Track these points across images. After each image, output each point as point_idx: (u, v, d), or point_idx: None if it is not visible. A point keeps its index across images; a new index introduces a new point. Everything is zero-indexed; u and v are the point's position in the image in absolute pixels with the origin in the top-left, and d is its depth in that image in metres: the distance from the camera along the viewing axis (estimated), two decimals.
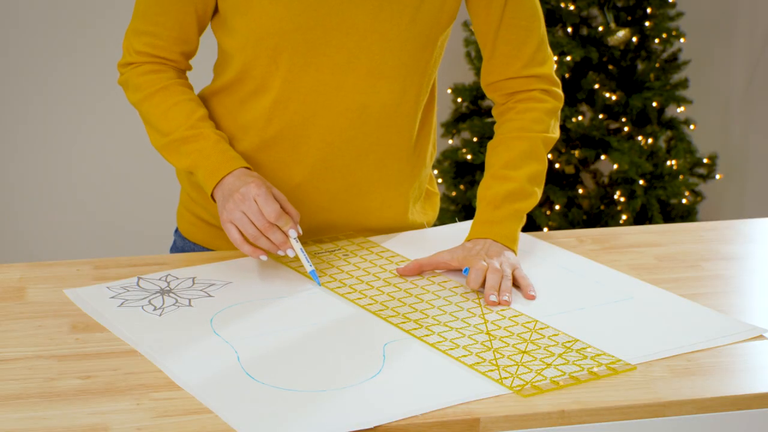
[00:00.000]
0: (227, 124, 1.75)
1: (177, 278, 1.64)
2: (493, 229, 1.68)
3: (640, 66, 3.69)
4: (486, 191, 1.72)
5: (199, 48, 1.79)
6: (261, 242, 1.61)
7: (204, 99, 1.79)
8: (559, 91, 1.79)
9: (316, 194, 1.75)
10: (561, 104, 1.79)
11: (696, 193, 3.73)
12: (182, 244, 1.88)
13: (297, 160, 1.73)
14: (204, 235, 1.84)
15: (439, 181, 3.77)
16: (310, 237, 1.79)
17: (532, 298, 1.57)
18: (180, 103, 1.71)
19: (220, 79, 1.76)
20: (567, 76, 3.59)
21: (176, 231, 1.91)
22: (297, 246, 1.61)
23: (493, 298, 1.55)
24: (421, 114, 1.79)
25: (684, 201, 3.64)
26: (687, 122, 3.69)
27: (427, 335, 1.45)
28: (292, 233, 1.61)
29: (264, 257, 1.61)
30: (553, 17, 3.60)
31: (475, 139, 3.67)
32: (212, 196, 1.67)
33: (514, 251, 1.67)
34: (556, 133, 1.78)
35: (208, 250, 1.84)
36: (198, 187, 1.81)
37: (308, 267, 1.61)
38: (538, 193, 1.74)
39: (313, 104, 1.70)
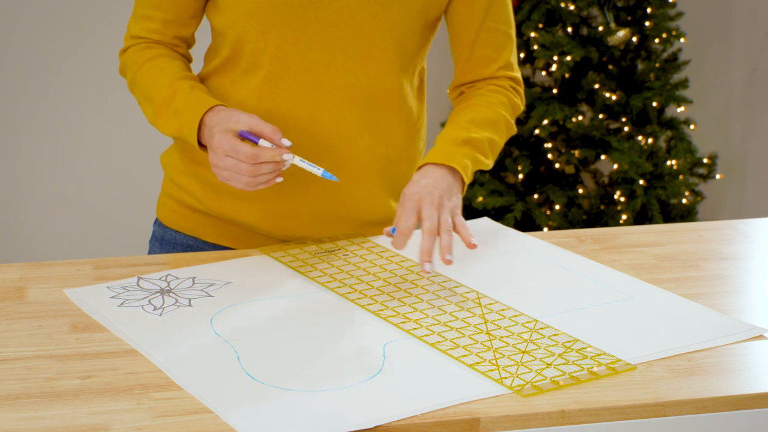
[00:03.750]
0: None
1: (177, 278, 1.64)
2: (453, 158, 1.67)
3: (640, 66, 3.69)
4: (449, 133, 1.72)
5: (196, 41, 1.81)
6: (262, 178, 1.60)
7: None
8: (523, 98, 1.84)
9: (304, 176, 1.74)
10: (522, 109, 1.84)
11: (696, 193, 3.73)
12: (162, 233, 1.87)
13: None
14: (186, 222, 1.83)
15: None
16: (299, 227, 1.78)
17: (474, 246, 1.57)
18: (165, 69, 1.73)
19: (213, 62, 1.77)
20: (567, 76, 3.59)
21: (156, 222, 1.90)
22: (297, 160, 1.61)
23: (428, 267, 1.55)
24: (409, 105, 1.80)
25: (684, 201, 3.64)
26: (687, 122, 3.69)
27: (427, 335, 1.45)
28: (287, 156, 1.59)
29: (280, 179, 1.62)
30: (553, 17, 3.60)
31: None
32: (204, 147, 1.68)
33: (462, 188, 1.67)
34: (513, 128, 1.81)
35: (189, 237, 1.84)
36: (184, 172, 1.82)
37: (318, 171, 1.61)
38: (492, 162, 1.75)
39: (302, 82, 1.71)
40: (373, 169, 1.78)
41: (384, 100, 1.75)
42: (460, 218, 1.61)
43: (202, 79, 1.80)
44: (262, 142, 1.61)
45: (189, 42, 1.80)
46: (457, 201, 1.63)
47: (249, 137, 1.61)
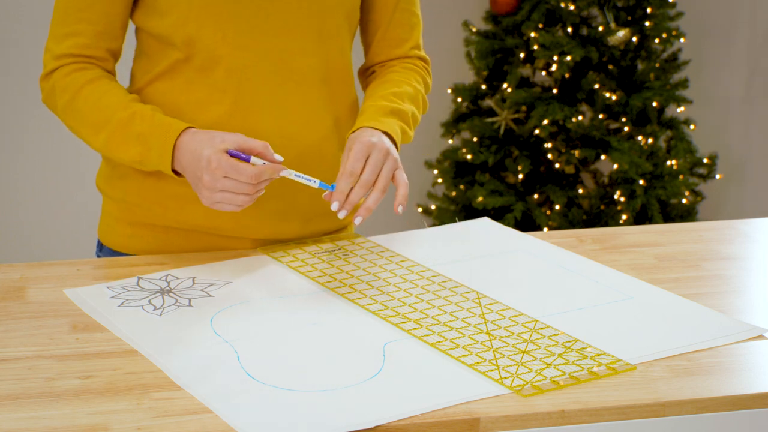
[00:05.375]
0: (169, 110, 1.70)
1: (177, 278, 1.64)
2: (384, 124, 1.69)
3: (640, 66, 3.69)
4: (376, 103, 1.73)
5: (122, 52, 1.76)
6: (256, 194, 1.59)
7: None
8: (431, 78, 1.89)
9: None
10: (429, 91, 1.87)
11: (696, 193, 3.73)
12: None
13: (254, 132, 1.69)
14: (149, 244, 1.77)
15: (439, 181, 3.77)
16: (274, 224, 1.76)
17: (398, 212, 1.60)
18: (111, 90, 1.67)
19: (155, 69, 1.72)
20: (567, 76, 3.59)
21: (102, 250, 1.83)
22: (292, 175, 1.60)
23: (341, 215, 1.58)
24: (354, 87, 1.83)
25: (684, 201, 3.64)
26: (687, 122, 3.69)
27: (427, 335, 1.45)
28: (284, 173, 1.60)
29: (262, 191, 1.61)
30: (553, 17, 3.60)
31: (475, 139, 3.67)
32: (176, 172, 1.65)
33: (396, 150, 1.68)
34: (427, 106, 1.85)
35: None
36: (137, 190, 1.76)
37: (314, 183, 1.61)
38: (413, 134, 1.78)
39: (264, 70, 1.70)
40: (334, 157, 1.76)
41: (339, 82, 1.77)
42: (403, 174, 1.64)
43: (139, 90, 1.74)
44: (254, 159, 1.59)
45: (117, 55, 1.74)
46: (395, 155, 1.65)
47: (239, 156, 1.58)
